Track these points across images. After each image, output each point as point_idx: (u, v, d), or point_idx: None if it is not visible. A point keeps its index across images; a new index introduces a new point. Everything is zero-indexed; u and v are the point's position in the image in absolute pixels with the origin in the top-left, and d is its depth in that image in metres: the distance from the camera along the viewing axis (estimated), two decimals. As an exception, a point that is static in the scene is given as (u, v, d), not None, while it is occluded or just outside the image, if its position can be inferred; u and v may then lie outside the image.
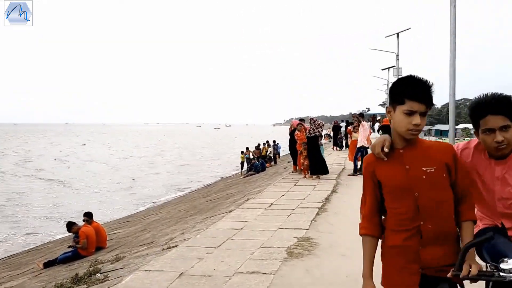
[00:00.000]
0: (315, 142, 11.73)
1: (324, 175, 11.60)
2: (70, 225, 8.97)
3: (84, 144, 71.19)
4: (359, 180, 11.40)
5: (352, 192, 9.47)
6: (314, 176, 11.53)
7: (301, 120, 13.73)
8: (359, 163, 12.33)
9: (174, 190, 25.45)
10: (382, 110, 44.86)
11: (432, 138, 68.00)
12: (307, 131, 11.99)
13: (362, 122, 12.40)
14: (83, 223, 8.98)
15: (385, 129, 17.91)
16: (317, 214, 7.18)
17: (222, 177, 29.57)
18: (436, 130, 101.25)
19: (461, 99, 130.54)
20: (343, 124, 25.57)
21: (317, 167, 11.54)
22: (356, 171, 12.22)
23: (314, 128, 11.81)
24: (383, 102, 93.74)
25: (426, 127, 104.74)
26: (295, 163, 13.37)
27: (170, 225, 9.45)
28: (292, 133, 13.25)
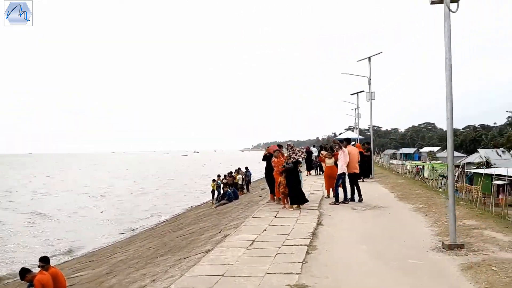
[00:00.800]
0: (295, 169, 11.02)
1: (305, 204, 10.87)
2: (24, 273, 7.76)
3: (49, 176, 68.88)
4: (343, 210, 10.72)
5: (338, 225, 8.75)
6: (295, 206, 10.77)
7: (279, 146, 13.06)
8: (340, 191, 11.68)
9: (144, 219, 24.92)
10: (351, 135, 44.94)
11: (399, 162, 68.68)
12: (285, 158, 11.29)
13: (343, 148, 11.80)
14: (39, 269, 7.84)
15: (361, 155, 17.50)
16: (307, 253, 6.39)
17: (192, 206, 28.61)
18: (402, 154, 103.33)
19: (424, 123, 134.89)
20: (314, 149, 25.16)
21: (297, 196, 10.80)
22: (337, 200, 11.54)
23: (292, 154, 11.14)
24: (349, 126, 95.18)
25: (390, 151, 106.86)
26: (272, 192, 12.59)
27: (139, 267, 8.42)
28: (268, 159, 12.49)
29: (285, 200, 11.13)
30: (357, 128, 42.00)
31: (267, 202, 12.76)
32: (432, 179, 35.22)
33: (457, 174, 40.23)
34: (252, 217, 9.98)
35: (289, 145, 11.48)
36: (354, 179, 11.95)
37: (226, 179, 24.88)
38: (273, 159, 11.81)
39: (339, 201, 11.53)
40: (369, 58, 19.48)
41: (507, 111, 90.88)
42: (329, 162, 12.72)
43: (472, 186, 30.97)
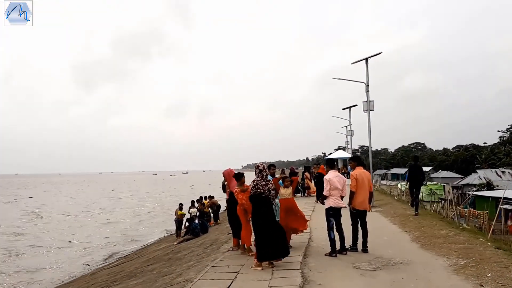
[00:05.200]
0: (266, 204, 7.07)
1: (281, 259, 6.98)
2: None
3: (31, 197, 65.43)
4: (340, 271, 6.24)
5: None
6: (266, 263, 6.89)
7: (272, 165, 9.19)
8: (336, 236, 7.75)
9: (112, 253, 21.56)
10: (342, 154, 41.08)
11: (391, 183, 65.06)
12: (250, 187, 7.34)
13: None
14: None
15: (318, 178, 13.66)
16: None
17: (165, 235, 25.32)
18: (393, 174, 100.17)
19: (414, 143, 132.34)
20: (301, 169, 22.71)
21: (269, 247, 6.84)
22: (334, 251, 7.64)
23: (260, 181, 7.20)
24: (339, 146, 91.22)
25: (381, 171, 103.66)
26: (236, 235, 8.70)
27: None
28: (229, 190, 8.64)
29: (250, 252, 7.24)
30: (348, 148, 38.30)
31: (229, 250, 8.87)
32: (430, 202, 31.71)
33: (455, 196, 36.68)
34: (200, 279, 6.03)
35: (257, 166, 7.45)
36: (361, 218, 8.08)
37: (197, 207, 20.95)
38: (236, 189, 7.95)
39: (335, 252, 7.63)
40: (366, 59, 15.88)
41: (498, 131, 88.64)
42: (284, 192, 8.30)
43: (479, 212, 27.44)
